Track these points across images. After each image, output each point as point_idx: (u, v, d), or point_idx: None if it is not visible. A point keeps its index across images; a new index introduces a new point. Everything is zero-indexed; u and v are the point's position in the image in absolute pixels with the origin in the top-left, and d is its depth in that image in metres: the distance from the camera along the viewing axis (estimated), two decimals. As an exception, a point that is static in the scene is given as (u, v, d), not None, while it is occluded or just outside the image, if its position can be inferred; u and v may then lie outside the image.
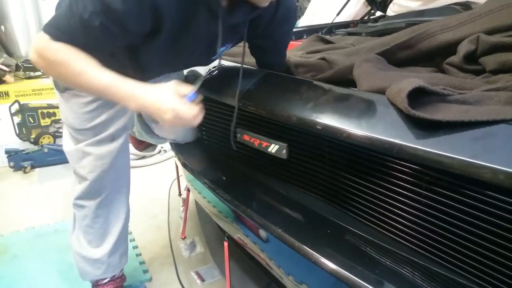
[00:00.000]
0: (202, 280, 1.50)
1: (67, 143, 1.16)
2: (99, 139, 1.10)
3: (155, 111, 0.78)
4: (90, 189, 1.16)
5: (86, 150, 1.12)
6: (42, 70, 0.92)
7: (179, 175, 1.95)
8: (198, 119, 0.78)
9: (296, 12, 1.12)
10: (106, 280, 1.31)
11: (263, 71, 1.08)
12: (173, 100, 0.76)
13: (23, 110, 2.64)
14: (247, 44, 1.03)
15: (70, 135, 1.14)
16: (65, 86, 1.07)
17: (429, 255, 0.69)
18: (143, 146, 1.67)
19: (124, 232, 1.28)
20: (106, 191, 1.18)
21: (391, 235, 0.75)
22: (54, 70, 0.83)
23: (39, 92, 2.69)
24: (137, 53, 0.91)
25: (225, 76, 1.14)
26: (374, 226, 0.78)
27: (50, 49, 0.78)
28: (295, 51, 1.34)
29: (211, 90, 1.14)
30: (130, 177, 1.26)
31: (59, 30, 0.78)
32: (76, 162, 1.15)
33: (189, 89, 0.77)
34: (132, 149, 1.52)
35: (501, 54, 0.78)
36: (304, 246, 0.76)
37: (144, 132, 1.45)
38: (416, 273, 0.67)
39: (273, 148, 0.95)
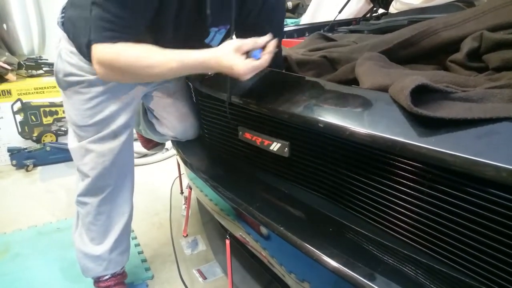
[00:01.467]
0: (204, 278, 1.50)
1: (71, 141, 1.17)
2: (102, 136, 1.11)
3: (221, 70, 0.79)
4: (92, 186, 1.17)
5: (88, 147, 1.12)
6: (118, 81, 0.94)
7: (181, 173, 1.95)
8: (248, 76, 0.78)
9: (284, 4, 1.13)
10: (107, 277, 1.32)
11: (264, 69, 1.07)
12: (230, 58, 0.76)
13: (26, 108, 2.64)
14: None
15: (74, 133, 1.15)
16: (67, 83, 1.08)
17: (432, 253, 0.68)
18: (151, 145, 1.68)
19: (127, 230, 1.29)
20: (109, 188, 1.18)
21: (393, 233, 0.75)
22: (128, 75, 0.85)
23: (41, 90, 2.69)
24: (153, 35, 0.91)
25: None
26: (376, 224, 0.78)
27: (111, 55, 0.80)
28: (297, 48, 1.33)
29: (212, 88, 1.14)
30: (134, 175, 1.27)
31: (103, 31, 0.79)
32: (78, 159, 1.15)
33: (250, 45, 0.76)
34: (134, 147, 1.53)
35: (505, 51, 0.77)
36: (306, 244, 0.76)
37: (147, 129, 1.46)
38: (419, 271, 0.66)
39: (275, 146, 0.95)
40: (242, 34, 1.08)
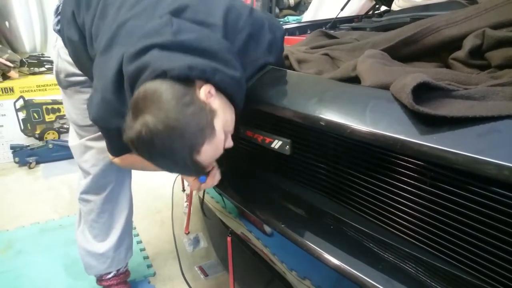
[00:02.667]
0: (206, 275, 1.50)
1: (72, 139, 1.18)
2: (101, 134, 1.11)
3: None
4: (94, 184, 1.17)
5: (88, 144, 1.13)
6: None
7: (183, 170, 1.96)
8: (196, 190, 1.12)
9: (279, 55, 1.08)
10: (110, 275, 1.32)
11: (265, 67, 1.07)
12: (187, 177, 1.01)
13: (28, 106, 2.65)
14: None
15: (75, 131, 1.16)
16: (69, 83, 1.08)
17: (432, 251, 0.68)
18: None
19: (129, 226, 1.29)
20: (111, 185, 1.19)
21: (394, 231, 0.75)
22: (134, 169, 1.17)
23: (43, 88, 2.70)
24: None
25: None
26: (378, 222, 0.78)
27: (117, 161, 1.05)
28: (298, 46, 1.33)
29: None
30: (132, 171, 1.27)
31: (110, 150, 1.02)
32: (79, 156, 1.16)
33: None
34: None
35: (507, 49, 0.76)
36: (307, 242, 0.76)
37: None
38: (419, 269, 0.67)
39: (276, 144, 0.95)
40: None
